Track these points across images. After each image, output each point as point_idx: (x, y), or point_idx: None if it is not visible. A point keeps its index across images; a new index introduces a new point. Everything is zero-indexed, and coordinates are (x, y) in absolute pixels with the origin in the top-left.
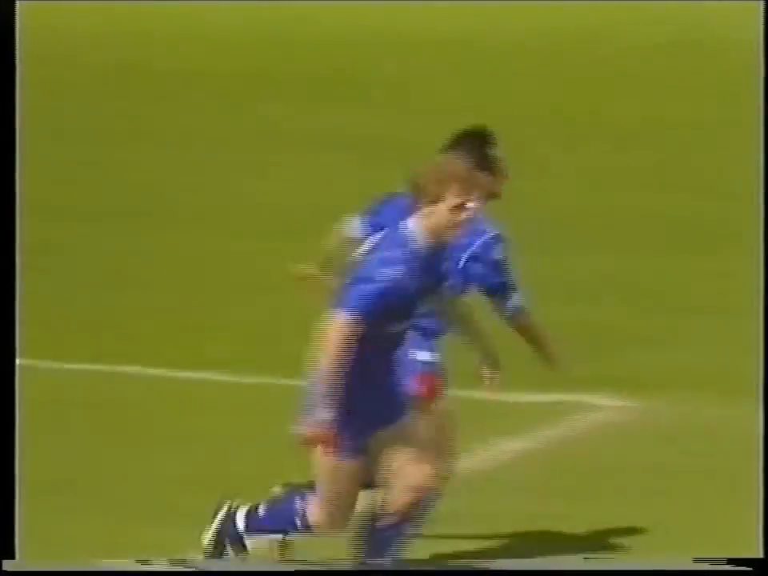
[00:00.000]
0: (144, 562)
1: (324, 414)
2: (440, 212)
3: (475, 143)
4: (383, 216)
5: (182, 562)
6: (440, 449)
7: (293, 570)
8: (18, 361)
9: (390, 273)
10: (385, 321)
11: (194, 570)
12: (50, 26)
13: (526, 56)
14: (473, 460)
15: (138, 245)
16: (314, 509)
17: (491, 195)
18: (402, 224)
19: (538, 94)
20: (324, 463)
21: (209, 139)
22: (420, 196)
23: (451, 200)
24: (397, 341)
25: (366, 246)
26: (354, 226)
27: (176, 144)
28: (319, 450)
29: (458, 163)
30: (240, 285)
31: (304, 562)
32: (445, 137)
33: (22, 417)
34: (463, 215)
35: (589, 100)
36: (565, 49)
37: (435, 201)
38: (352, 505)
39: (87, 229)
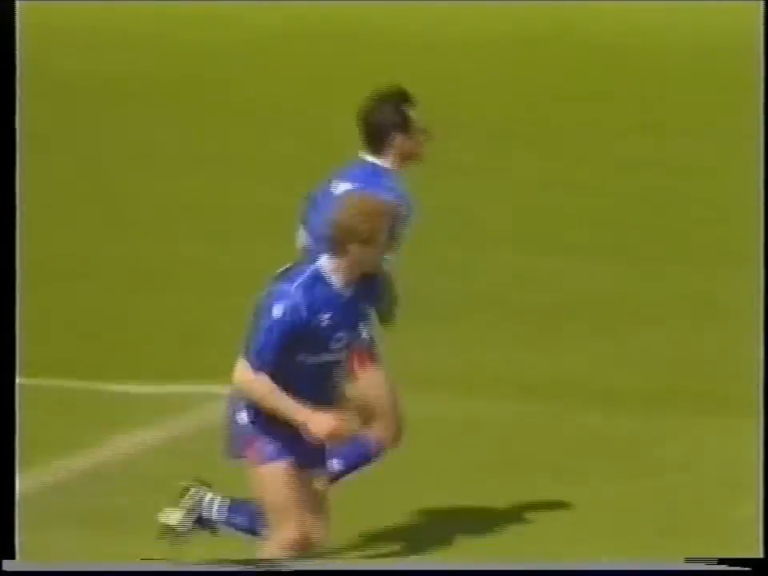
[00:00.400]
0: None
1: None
2: (372, 250)
3: (392, 104)
4: (312, 214)
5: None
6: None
7: (292, 570)
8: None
9: (291, 315)
10: (300, 352)
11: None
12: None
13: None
14: (101, 454)
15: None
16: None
17: (411, 157)
18: (316, 265)
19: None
20: (255, 475)
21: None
22: (350, 236)
23: (383, 236)
24: (320, 371)
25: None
26: (300, 236)
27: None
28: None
29: (381, 199)
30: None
31: (287, 561)
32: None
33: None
34: (392, 246)
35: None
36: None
37: (368, 240)
38: (303, 515)
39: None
